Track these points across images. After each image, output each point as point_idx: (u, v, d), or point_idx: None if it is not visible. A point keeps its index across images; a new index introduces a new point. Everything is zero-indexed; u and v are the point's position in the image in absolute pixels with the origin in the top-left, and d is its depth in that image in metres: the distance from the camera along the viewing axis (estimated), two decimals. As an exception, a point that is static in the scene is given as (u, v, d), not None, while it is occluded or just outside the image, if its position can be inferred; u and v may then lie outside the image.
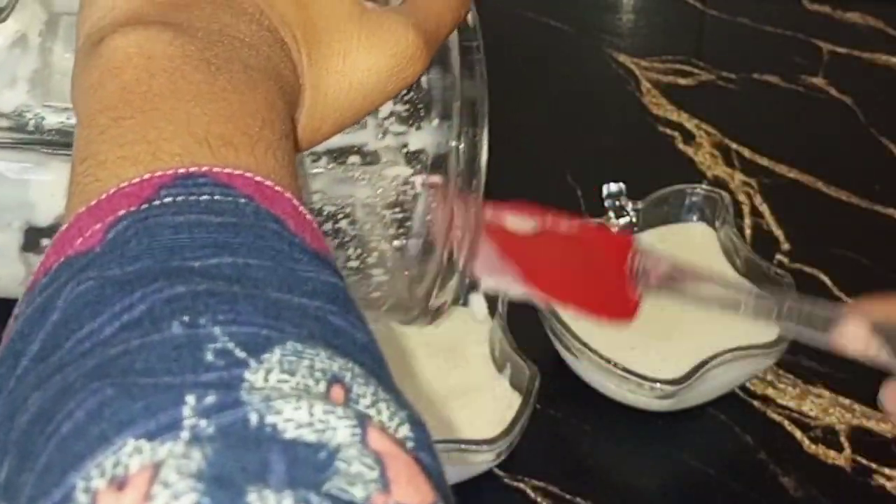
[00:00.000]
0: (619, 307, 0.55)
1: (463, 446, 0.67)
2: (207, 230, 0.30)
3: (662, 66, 1.04)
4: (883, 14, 1.09)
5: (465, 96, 0.44)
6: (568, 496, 0.71)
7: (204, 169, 0.31)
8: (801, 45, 1.07)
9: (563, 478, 0.72)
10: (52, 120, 0.42)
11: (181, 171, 0.31)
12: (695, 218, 0.82)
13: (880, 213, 0.89)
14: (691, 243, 0.81)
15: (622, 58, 1.05)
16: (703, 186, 0.83)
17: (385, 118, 0.44)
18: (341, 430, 0.25)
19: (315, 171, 0.43)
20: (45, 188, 0.41)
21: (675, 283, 0.55)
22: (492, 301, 0.75)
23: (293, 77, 0.37)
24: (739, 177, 0.92)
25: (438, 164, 0.44)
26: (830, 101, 1.00)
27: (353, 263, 0.45)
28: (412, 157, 0.44)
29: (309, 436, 0.25)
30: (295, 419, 0.25)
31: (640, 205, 0.81)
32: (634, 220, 0.81)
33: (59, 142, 0.39)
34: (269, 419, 0.25)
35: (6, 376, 0.29)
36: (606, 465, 0.75)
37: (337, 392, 0.27)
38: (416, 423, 0.28)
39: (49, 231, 0.42)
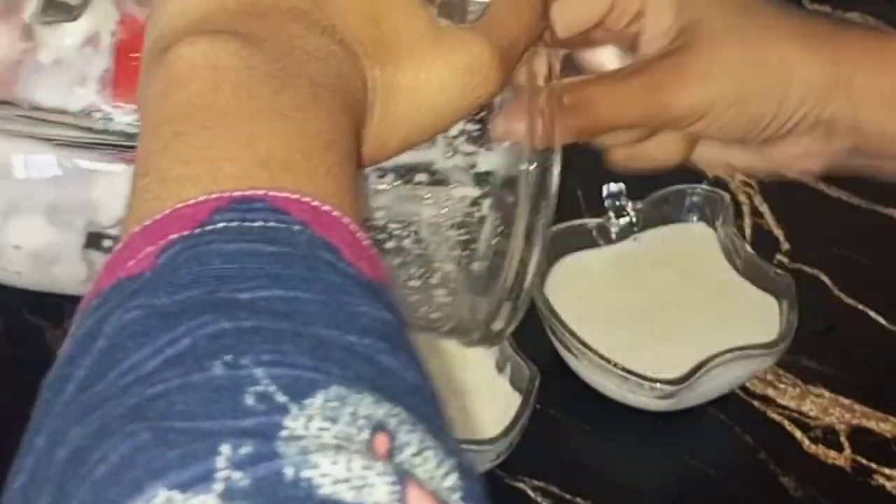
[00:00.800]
0: None
1: (463, 446, 0.66)
2: (259, 260, 0.29)
3: (662, 67, 1.04)
4: (883, 14, 1.09)
5: None
6: (568, 496, 0.71)
7: (260, 193, 0.31)
8: (801, 45, 1.07)
9: (562, 477, 0.72)
10: (120, 121, 0.42)
11: (237, 194, 0.30)
12: (695, 218, 0.82)
13: (880, 213, 0.89)
14: (691, 243, 0.81)
15: (622, 58, 1.05)
16: (703, 186, 0.83)
17: (455, 137, 0.43)
18: (379, 488, 0.24)
19: (381, 187, 0.43)
20: (109, 189, 0.42)
21: None
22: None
23: (362, 93, 0.37)
24: (739, 177, 0.91)
25: (508, 186, 0.44)
26: (830, 101, 1.00)
27: (415, 283, 0.44)
28: (481, 179, 0.43)
29: (345, 493, 0.24)
30: (332, 474, 0.24)
31: (640, 205, 0.81)
32: (634, 220, 0.81)
33: (124, 144, 0.39)
34: (305, 473, 0.24)
35: (52, 401, 0.28)
36: (606, 464, 0.75)
37: (381, 440, 0.26)
38: (465, 471, 0.27)
39: (111, 231, 0.43)
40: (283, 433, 0.25)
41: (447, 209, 0.43)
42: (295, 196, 0.31)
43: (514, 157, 0.43)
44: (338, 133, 0.34)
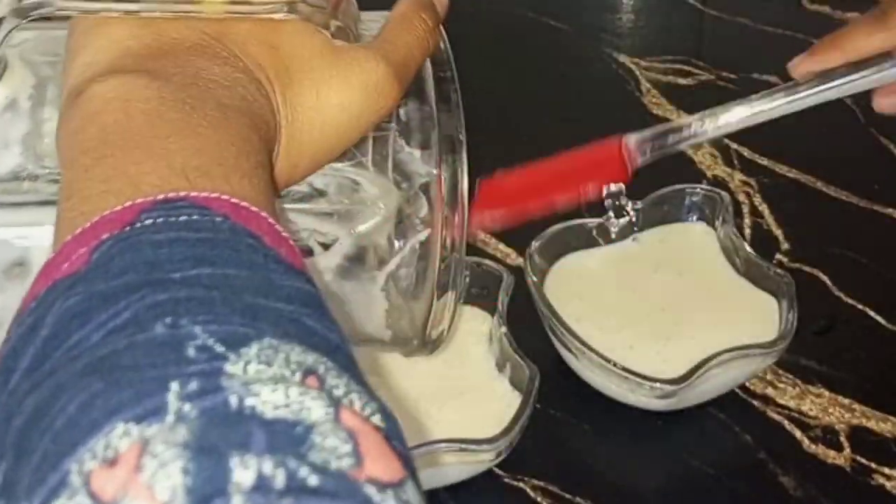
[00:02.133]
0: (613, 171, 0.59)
1: (463, 446, 0.67)
2: (186, 245, 0.31)
3: (662, 66, 1.04)
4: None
5: (442, 125, 0.45)
6: (567, 495, 0.71)
7: (182, 194, 0.33)
8: (801, 45, 1.06)
9: (562, 477, 0.72)
10: (46, 180, 0.43)
11: (160, 197, 0.33)
12: (694, 218, 0.82)
13: (880, 212, 0.89)
14: (691, 243, 0.82)
15: (622, 58, 1.05)
16: (703, 186, 0.83)
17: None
18: (316, 410, 0.27)
19: (316, 207, 0.44)
20: (45, 248, 0.43)
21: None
22: (491, 301, 0.75)
23: (269, 115, 0.39)
24: (739, 176, 0.92)
25: (422, 193, 0.45)
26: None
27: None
28: (399, 183, 0.45)
29: (286, 415, 0.27)
30: (272, 401, 0.27)
31: (639, 204, 0.81)
32: (634, 219, 0.81)
33: (54, 200, 0.40)
34: (249, 401, 0.27)
35: None
36: (606, 464, 0.75)
37: (311, 381, 0.28)
38: (387, 414, 0.29)
39: None
40: (225, 374, 0.28)
41: (379, 216, 0.44)
42: (214, 195, 0.33)
43: (424, 165, 0.45)
44: (248, 145, 0.36)
